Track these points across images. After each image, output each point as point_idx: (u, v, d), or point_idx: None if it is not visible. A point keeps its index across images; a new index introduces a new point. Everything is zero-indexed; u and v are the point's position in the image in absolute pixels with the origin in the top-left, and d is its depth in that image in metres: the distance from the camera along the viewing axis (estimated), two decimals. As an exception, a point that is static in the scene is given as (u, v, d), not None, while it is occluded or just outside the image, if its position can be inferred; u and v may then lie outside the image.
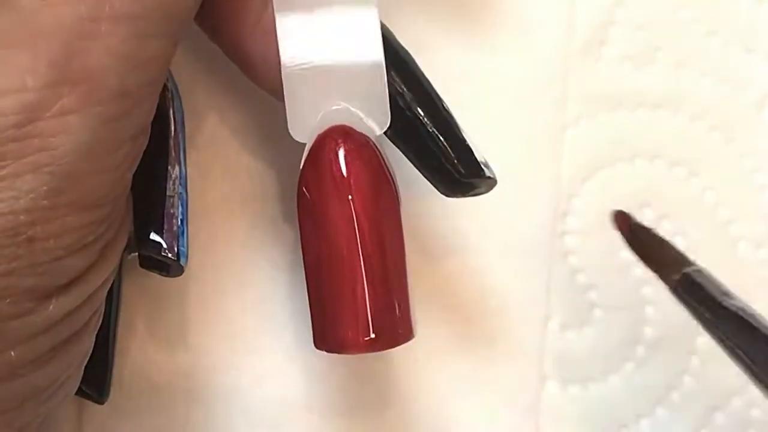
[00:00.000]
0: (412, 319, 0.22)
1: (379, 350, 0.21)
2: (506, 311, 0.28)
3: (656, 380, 0.29)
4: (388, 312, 0.21)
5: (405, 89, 0.23)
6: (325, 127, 0.22)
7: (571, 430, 0.29)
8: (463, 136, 0.23)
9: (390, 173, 0.22)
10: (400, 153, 0.24)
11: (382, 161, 0.22)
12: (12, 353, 0.19)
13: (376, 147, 0.22)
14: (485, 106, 0.29)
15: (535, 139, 0.29)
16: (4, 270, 0.18)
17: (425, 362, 0.28)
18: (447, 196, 0.24)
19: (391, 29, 0.24)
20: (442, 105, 0.24)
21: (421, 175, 0.24)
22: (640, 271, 0.29)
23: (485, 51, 0.29)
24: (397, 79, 0.23)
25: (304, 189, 0.22)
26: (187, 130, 0.27)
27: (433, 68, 0.24)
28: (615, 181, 0.30)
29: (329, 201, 0.21)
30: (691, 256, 0.29)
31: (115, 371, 0.26)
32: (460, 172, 0.23)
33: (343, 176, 0.21)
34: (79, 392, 0.24)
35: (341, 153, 0.22)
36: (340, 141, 0.22)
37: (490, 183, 0.24)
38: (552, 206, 0.29)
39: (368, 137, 0.22)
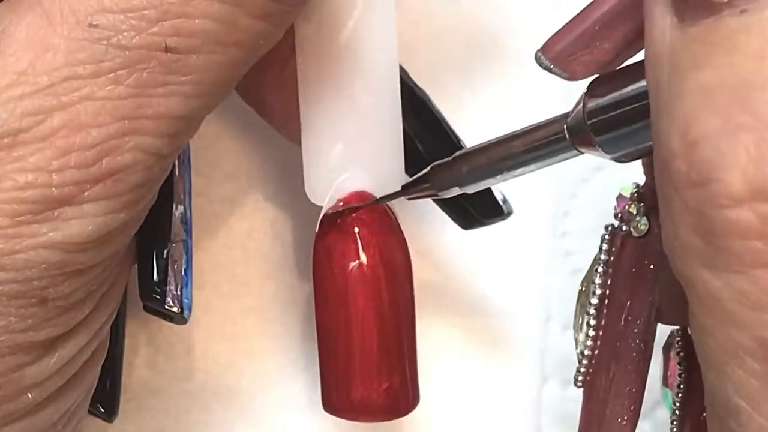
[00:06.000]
0: (418, 383, 0.23)
1: (394, 418, 0.22)
2: (506, 311, 0.28)
3: (656, 380, 0.29)
4: (401, 379, 0.22)
5: (423, 134, 0.23)
6: (343, 192, 0.22)
7: (571, 430, 0.29)
8: None
9: (403, 237, 0.22)
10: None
11: (397, 227, 0.22)
12: (29, 395, 0.20)
13: (392, 214, 0.22)
14: (485, 106, 0.29)
15: (535, 139, 0.29)
16: (21, 327, 0.19)
17: (425, 363, 0.28)
18: (465, 229, 0.25)
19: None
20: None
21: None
22: (640, 271, 0.29)
23: (486, 52, 0.29)
24: (415, 124, 0.23)
25: (321, 255, 0.22)
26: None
27: (433, 70, 0.24)
28: (615, 181, 0.30)
29: (347, 269, 0.21)
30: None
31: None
32: (481, 214, 0.24)
33: (361, 244, 0.22)
34: (89, 411, 0.24)
35: (360, 222, 0.22)
36: (358, 209, 0.22)
37: (507, 216, 0.25)
38: (552, 206, 0.29)
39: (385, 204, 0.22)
